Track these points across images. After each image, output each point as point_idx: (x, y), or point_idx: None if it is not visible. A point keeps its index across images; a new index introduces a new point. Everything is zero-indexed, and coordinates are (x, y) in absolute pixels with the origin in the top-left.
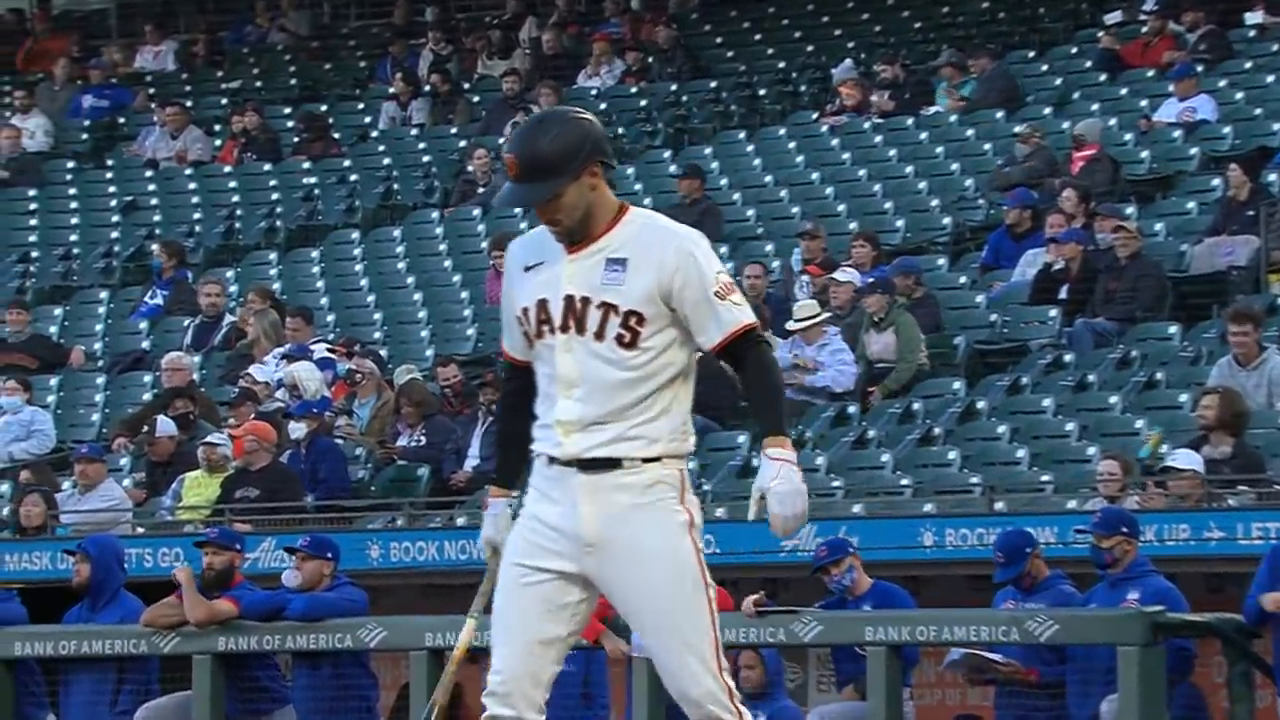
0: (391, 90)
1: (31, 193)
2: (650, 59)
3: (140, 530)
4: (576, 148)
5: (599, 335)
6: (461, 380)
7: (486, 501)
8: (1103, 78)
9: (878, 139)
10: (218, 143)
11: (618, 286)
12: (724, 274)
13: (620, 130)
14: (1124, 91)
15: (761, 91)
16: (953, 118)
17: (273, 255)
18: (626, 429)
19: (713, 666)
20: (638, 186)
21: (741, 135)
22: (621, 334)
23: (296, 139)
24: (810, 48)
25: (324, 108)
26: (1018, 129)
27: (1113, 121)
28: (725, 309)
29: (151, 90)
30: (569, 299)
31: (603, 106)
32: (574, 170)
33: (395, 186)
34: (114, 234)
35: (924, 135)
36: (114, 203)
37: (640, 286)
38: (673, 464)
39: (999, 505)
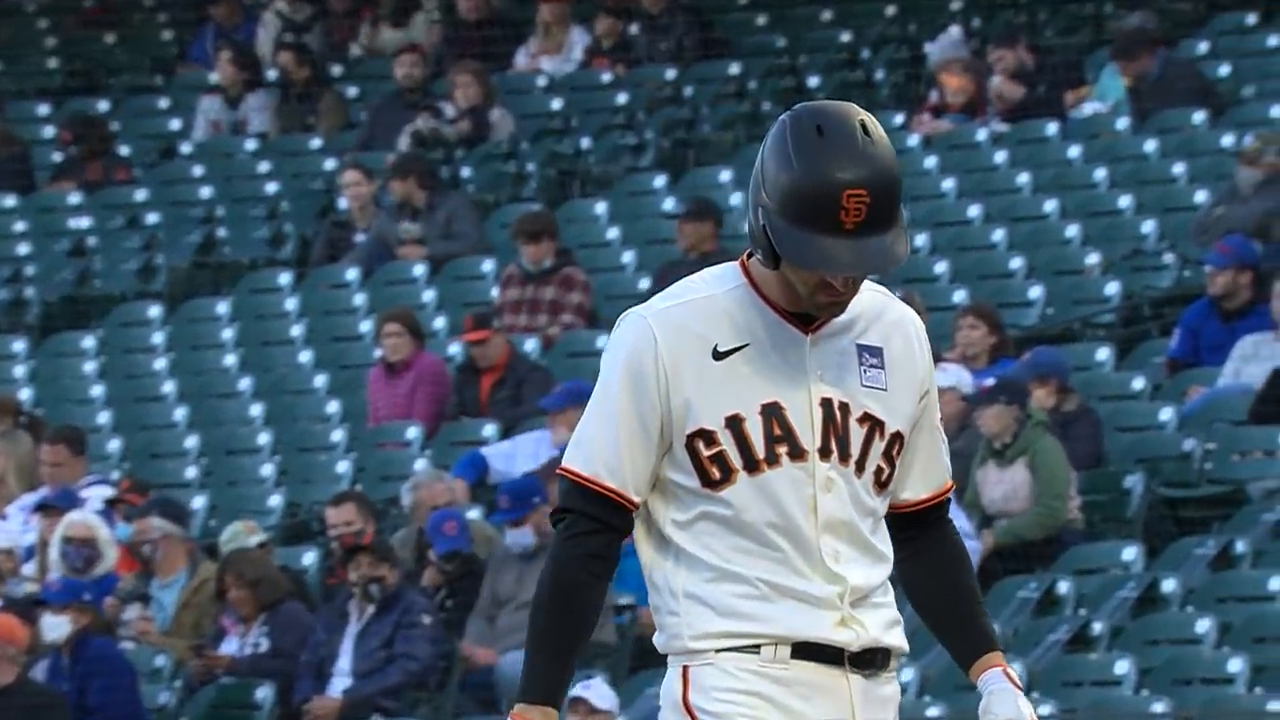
0: (215, 79)
1: None
2: (634, 29)
3: None
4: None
5: (860, 467)
6: (370, 535)
7: None
8: None
9: (999, 156)
10: None
11: (880, 392)
12: None
13: (585, 142)
14: None
15: (813, 81)
16: (1121, 122)
17: (19, 345)
18: (889, 603)
19: None
20: (612, 231)
21: None
22: (882, 467)
23: (59, 157)
24: (891, 10)
25: (105, 106)
26: (1229, 141)
27: None
28: (944, 449)
29: None
30: (827, 405)
31: (556, 105)
32: None
33: (221, 233)
34: None
35: (1075, 151)
36: None
37: (906, 393)
38: None
39: None
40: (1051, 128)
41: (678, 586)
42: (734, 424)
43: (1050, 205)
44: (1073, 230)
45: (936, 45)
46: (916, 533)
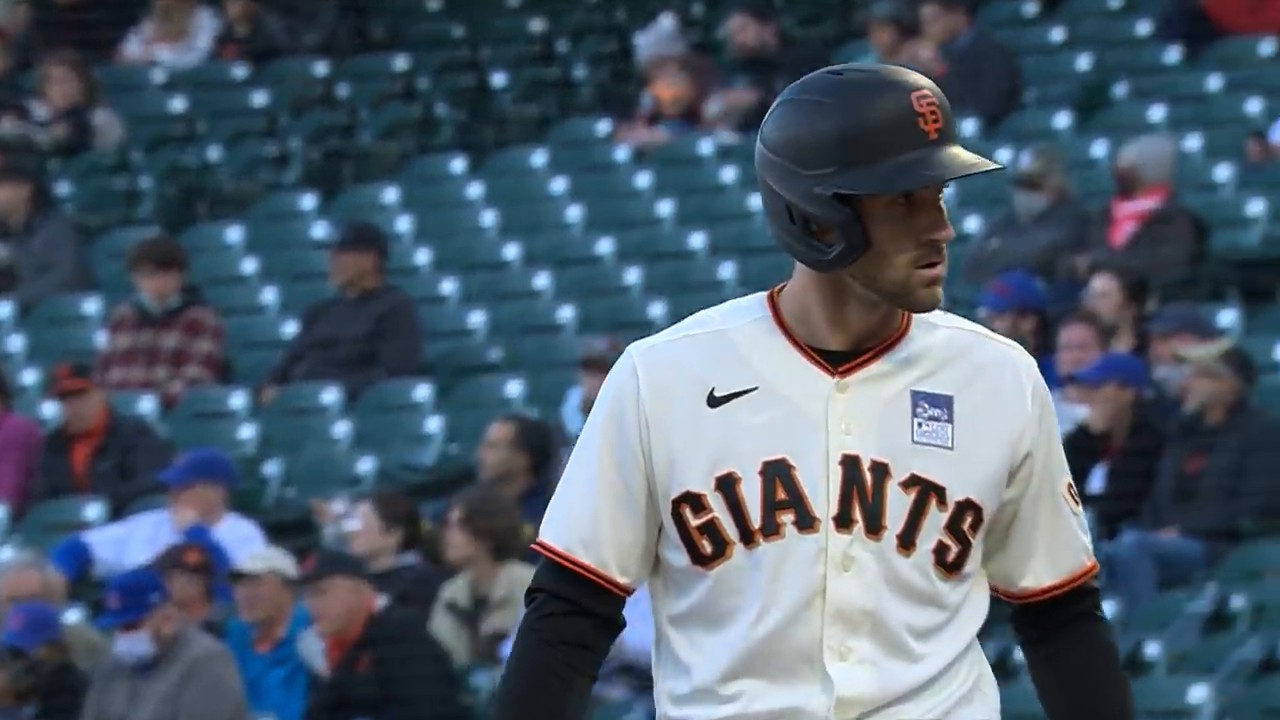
0: None
1: None
2: (273, 14)
3: None
4: None
5: (906, 542)
6: None
7: None
8: (1175, 57)
9: (727, 174)
10: None
11: (941, 451)
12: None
13: (215, 152)
14: (1217, 84)
15: (499, 79)
16: None
17: None
18: (920, 714)
19: None
20: (249, 263)
21: (459, 165)
22: (945, 544)
23: None
24: None
25: None
26: (1004, 156)
27: (1194, 144)
28: (1078, 523)
29: None
30: (850, 463)
31: (178, 106)
32: None
33: None
34: None
35: None
36: None
37: (988, 454)
38: None
39: None
40: None
41: (665, 700)
42: (726, 485)
43: None
44: None
45: (647, 39)
46: (1049, 630)
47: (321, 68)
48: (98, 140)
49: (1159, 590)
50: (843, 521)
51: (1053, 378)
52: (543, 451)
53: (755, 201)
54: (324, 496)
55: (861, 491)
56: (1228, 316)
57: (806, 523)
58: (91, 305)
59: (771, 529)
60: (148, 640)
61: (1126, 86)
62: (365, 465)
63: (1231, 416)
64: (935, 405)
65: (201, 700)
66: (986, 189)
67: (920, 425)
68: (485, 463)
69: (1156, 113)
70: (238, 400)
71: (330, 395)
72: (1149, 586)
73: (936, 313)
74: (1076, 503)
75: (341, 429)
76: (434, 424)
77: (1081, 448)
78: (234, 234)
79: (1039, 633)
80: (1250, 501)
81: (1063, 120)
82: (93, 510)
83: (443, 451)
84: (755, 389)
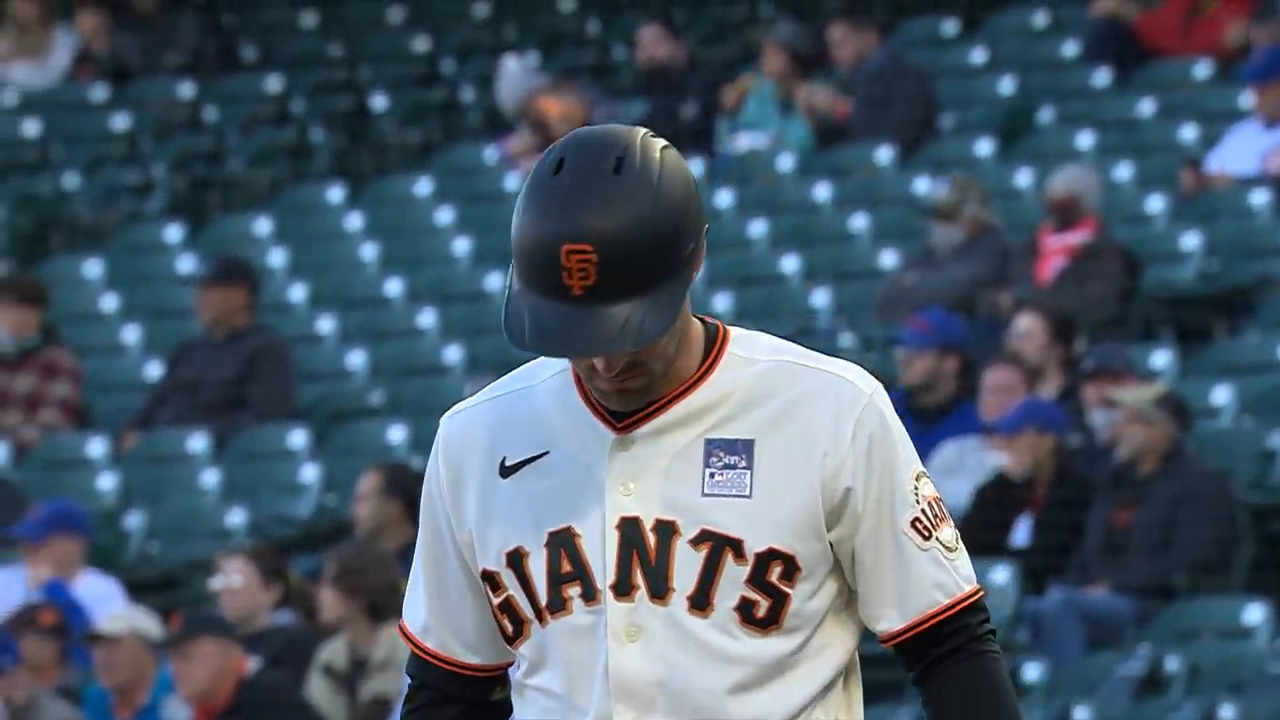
0: None
1: None
2: (123, 33)
3: None
4: (687, 209)
5: (700, 603)
6: None
7: None
8: (1104, 80)
9: None
10: None
11: (737, 500)
12: (928, 482)
13: (72, 180)
14: (1148, 110)
15: (380, 101)
16: (786, 161)
17: None
18: None
19: None
20: (109, 300)
21: (336, 194)
22: (751, 600)
23: None
24: (483, 10)
25: None
26: (921, 186)
27: (1124, 173)
28: (932, 558)
29: None
30: (629, 526)
31: (31, 129)
32: (691, 260)
33: None
34: None
35: (725, 198)
36: None
37: (794, 496)
38: None
39: None
40: (694, 167)
41: None
42: (515, 561)
43: None
44: (724, 301)
45: (504, 82)
46: (925, 672)
47: (187, 89)
48: None
49: (1087, 651)
50: (622, 589)
51: (973, 423)
52: (419, 499)
53: None
54: (191, 551)
55: (643, 554)
56: (1161, 358)
57: (590, 594)
58: None
59: (558, 605)
60: None
61: (1052, 111)
62: (235, 518)
63: (1165, 465)
64: (731, 452)
65: None
66: (903, 220)
67: (713, 476)
68: (358, 516)
69: (1084, 139)
70: (96, 448)
71: (197, 442)
72: (1077, 647)
73: (765, 342)
74: (928, 536)
75: (209, 478)
76: (309, 473)
77: (1000, 498)
78: (92, 268)
79: (918, 674)
80: (1184, 556)
81: (984, 148)
82: None
83: (319, 503)
84: (546, 454)
